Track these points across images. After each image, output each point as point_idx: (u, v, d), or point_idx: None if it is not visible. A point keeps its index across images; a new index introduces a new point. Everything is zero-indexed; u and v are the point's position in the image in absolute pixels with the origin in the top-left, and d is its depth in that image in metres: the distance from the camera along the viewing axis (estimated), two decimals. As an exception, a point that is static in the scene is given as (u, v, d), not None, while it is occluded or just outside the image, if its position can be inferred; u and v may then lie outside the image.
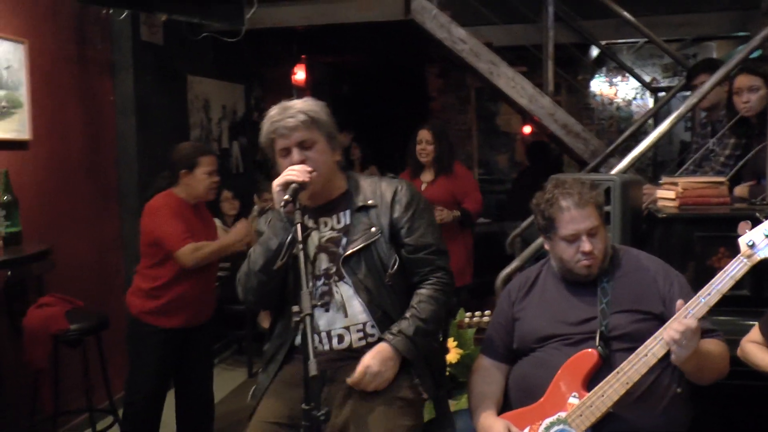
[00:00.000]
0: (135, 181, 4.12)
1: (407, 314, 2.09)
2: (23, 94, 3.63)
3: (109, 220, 4.32)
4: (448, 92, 8.10)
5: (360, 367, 2.03)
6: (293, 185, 1.97)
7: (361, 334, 2.10)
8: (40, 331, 3.25)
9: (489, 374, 2.27)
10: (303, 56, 6.99)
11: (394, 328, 2.06)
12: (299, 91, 6.86)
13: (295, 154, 2.06)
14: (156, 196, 3.29)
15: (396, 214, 2.14)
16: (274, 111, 2.11)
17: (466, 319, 3.09)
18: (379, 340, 2.08)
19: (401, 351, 2.04)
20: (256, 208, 5.45)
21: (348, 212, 2.16)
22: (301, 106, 2.09)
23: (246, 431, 2.08)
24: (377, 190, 2.19)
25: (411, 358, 2.06)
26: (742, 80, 3.24)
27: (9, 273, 3.38)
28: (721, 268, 1.93)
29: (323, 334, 2.10)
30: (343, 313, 2.09)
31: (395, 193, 2.17)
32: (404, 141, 4.69)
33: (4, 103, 3.51)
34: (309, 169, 2.03)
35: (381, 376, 2.03)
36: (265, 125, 2.11)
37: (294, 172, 2.00)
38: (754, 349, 2.26)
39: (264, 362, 2.23)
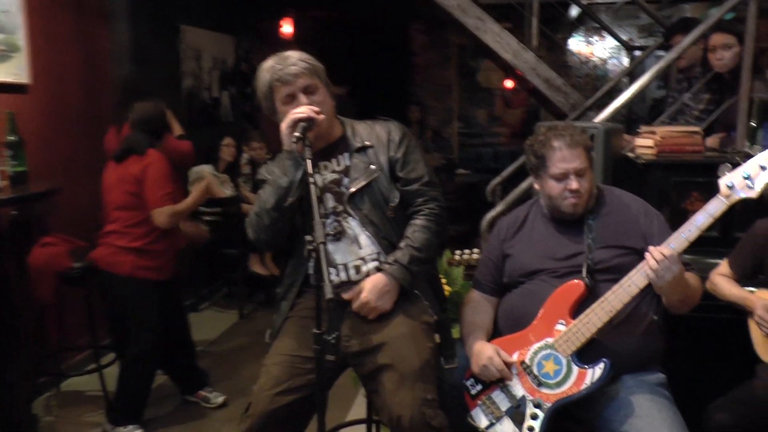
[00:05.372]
0: (130, 129, 4.14)
1: (402, 244, 2.22)
2: (21, 38, 3.66)
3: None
4: (432, 49, 8.18)
5: (357, 304, 2.18)
6: (302, 123, 2.08)
7: (376, 263, 2.22)
8: (46, 269, 3.37)
9: (480, 306, 2.42)
10: (290, 10, 6.99)
11: (390, 258, 2.20)
12: (287, 45, 6.83)
13: (302, 98, 2.17)
14: (150, 151, 3.33)
15: (392, 152, 2.27)
16: (272, 61, 2.20)
17: (456, 257, 3.26)
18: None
19: (397, 278, 2.18)
20: (245, 156, 5.55)
21: (347, 155, 2.28)
22: (300, 55, 2.21)
23: (262, 369, 2.19)
24: (372, 131, 2.32)
25: (406, 285, 2.19)
26: (717, 38, 3.40)
27: (15, 212, 3.46)
28: (694, 211, 2.09)
29: (340, 267, 2.22)
30: (357, 246, 2.22)
31: (389, 133, 2.31)
32: (388, 96, 4.79)
33: (2, 47, 3.54)
34: (316, 108, 2.14)
35: (380, 309, 2.18)
36: (265, 75, 2.20)
37: (302, 110, 2.11)
38: (722, 281, 2.49)
39: (277, 303, 2.36)
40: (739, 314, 2.43)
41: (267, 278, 5.28)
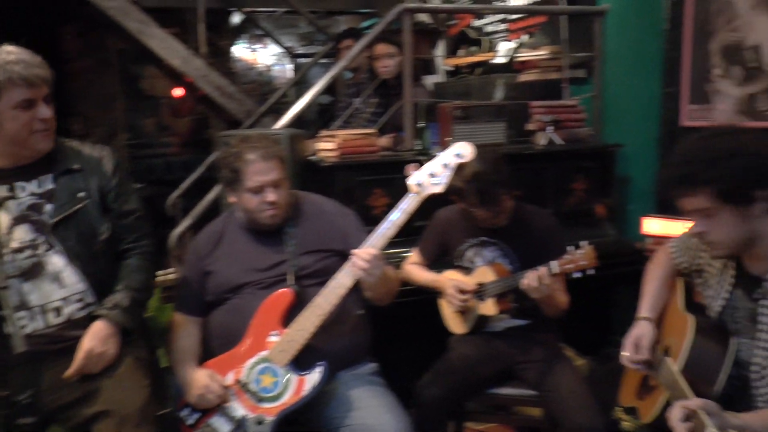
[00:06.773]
0: None
1: (120, 286, 2.03)
2: None
3: None
4: (88, 54, 7.57)
5: (81, 353, 1.93)
6: None
7: (80, 304, 1.98)
8: None
9: (186, 329, 2.31)
10: None
11: (109, 303, 2.00)
12: None
13: (43, 107, 1.91)
14: None
15: (104, 180, 2.06)
16: (12, 55, 1.87)
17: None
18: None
19: (120, 323, 1.99)
20: None
21: (51, 176, 2.00)
22: (36, 58, 1.92)
23: None
24: (81, 153, 2.08)
25: (129, 328, 2.03)
26: (381, 48, 3.75)
27: None
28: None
29: (36, 310, 1.93)
30: (59, 284, 1.95)
31: (101, 158, 2.09)
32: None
33: None
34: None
35: (105, 355, 1.97)
36: None
37: None
38: (413, 269, 2.72)
39: None
40: (429, 294, 2.65)
41: None
